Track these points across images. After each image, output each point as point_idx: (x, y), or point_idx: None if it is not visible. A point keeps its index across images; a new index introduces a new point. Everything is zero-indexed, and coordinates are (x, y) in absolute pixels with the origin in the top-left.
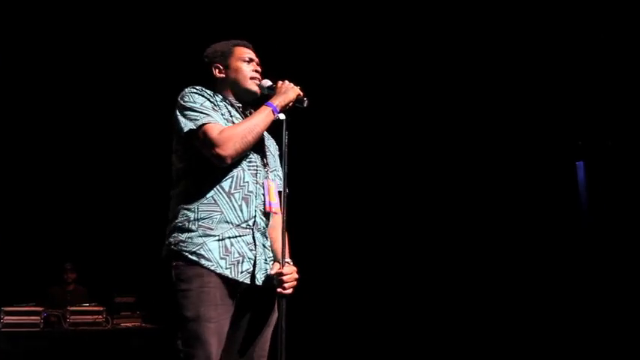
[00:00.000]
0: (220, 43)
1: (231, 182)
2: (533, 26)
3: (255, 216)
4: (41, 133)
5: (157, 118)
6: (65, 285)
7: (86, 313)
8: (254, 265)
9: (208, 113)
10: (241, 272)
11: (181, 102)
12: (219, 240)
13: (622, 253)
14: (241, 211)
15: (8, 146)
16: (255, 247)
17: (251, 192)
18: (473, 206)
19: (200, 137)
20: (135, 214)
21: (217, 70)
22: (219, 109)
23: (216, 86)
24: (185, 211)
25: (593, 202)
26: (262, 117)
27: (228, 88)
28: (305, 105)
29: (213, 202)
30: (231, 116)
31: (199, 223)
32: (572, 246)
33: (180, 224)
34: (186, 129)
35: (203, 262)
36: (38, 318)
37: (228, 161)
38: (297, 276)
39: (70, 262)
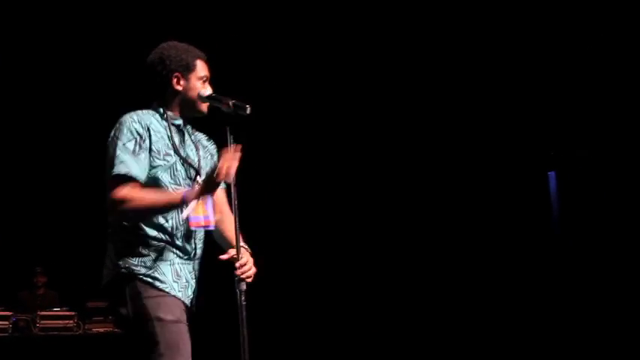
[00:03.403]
0: (182, 49)
1: (172, 222)
2: (507, 37)
3: (196, 247)
4: (11, 136)
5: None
6: (35, 289)
7: (57, 318)
8: (193, 292)
9: (128, 161)
10: (187, 297)
11: (115, 136)
12: (170, 265)
13: (592, 262)
14: (184, 247)
15: None
16: (195, 276)
17: (192, 229)
18: (445, 214)
19: (109, 185)
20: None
21: (176, 81)
22: (155, 134)
23: (165, 96)
24: (133, 245)
25: (564, 211)
26: (170, 204)
27: (178, 102)
28: (247, 112)
29: (157, 241)
30: (168, 139)
31: (149, 250)
32: (543, 255)
33: (128, 250)
34: (113, 172)
35: (158, 284)
36: (7, 323)
37: (115, 215)
38: (251, 261)
39: (41, 265)
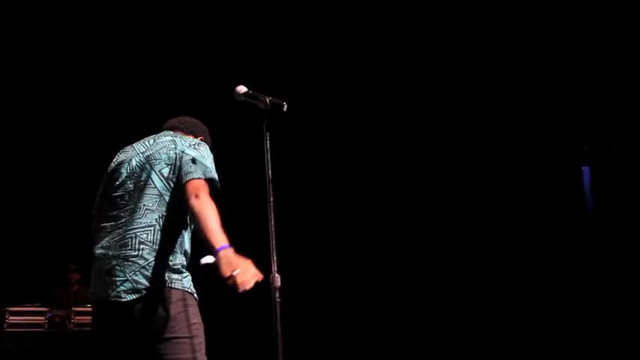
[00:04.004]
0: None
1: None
2: (539, 30)
3: None
4: (45, 134)
5: (158, 120)
6: (69, 286)
7: (91, 314)
8: None
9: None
10: None
11: (196, 145)
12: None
13: (627, 256)
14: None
15: (12, 147)
16: None
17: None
18: (479, 210)
19: (199, 183)
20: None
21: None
22: None
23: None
24: (177, 255)
25: (598, 206)
26: (216, 236)
27: None
28: (284, 110)
29: (185, 259)
30: None
31: (183, 265)
32: (577, 249)
33: (176, 267)
34: (211, 175)
35: (195, 295)
36: (43, 318)
37: (195, 208)
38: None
39: (74, 262)
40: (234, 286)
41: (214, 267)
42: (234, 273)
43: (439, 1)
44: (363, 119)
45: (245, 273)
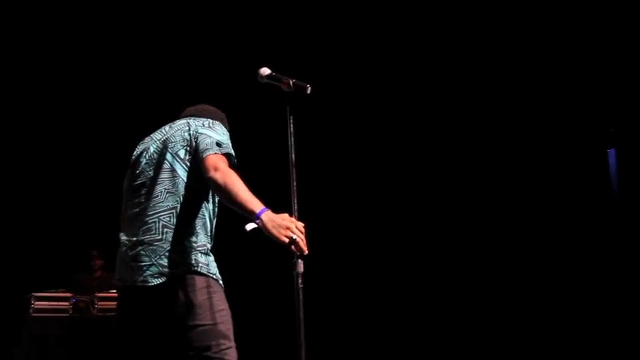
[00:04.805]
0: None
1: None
2: (562, 14)
3: None
4: (71, 127)
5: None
6: (92, 272)
7: (114, 299)
8: None
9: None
10: None
11: (211, 125)
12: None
13: None
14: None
15: (40, 140)
16: None
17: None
18: (504, 195)
19: (217, 158)
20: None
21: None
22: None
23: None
24: (200, 236)
25: (624, 189)
26: (249, 203)
27: None
28: (308, 92)
29: (209, 242)
30: None
31: (209, 250)
32: (603, 232)
33: (201, 249)
34: (227, 151)
35: (220, 282)
36: (67, 304)
37: (211, 186)
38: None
39: (96, 249)
40: (299, 251)
41: (260, 232)
42: (294, 238)
43: None
44: (386, 104)
45: (299, 234)
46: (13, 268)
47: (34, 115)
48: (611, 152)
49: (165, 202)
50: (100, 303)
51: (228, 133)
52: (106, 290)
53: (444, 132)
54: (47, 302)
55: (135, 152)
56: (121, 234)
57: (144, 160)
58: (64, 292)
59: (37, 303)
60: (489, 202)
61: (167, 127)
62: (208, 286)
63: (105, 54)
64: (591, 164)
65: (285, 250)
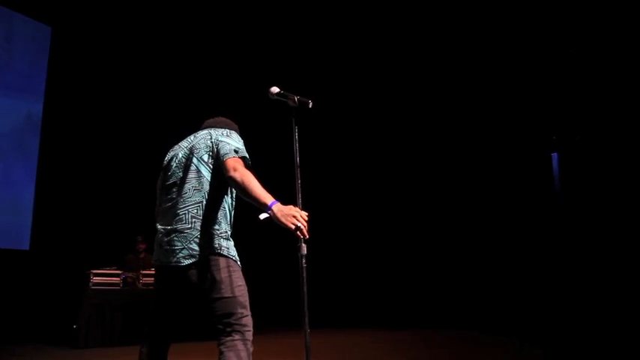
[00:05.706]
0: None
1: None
2: (511, 27)
3: None
4: (123, 134)
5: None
6: (138, 253)
7: (154, 276)
8: None
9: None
10: None
11: (229, 134)
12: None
13: (592, 232)
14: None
15: (98, 144)
16: None
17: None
18: (461, 193)
19: (235, 162)
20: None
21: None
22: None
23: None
24: (222, 224)
25: (565, 187)
26: (262, 197)
27: None
28: (310, 107)
29: (229, 228)
30: None
31: (229, 234)
32: (547, 225)
33: (223, 235)
34: (243, 154)
35: (239, 263)
36: (118, 279)
37: (238, 181)
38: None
39: (141, 234)
40: (303, 235)
41: (271, 220)
42: (299, 225)
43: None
44: (380, 114)
45: (303, 221)
46: (76, 250)
47: (93, 125)
48: (554, 156)
49: (193, 197)
50: (144, 278)
51: (242, 140)
52: (149, 268)
53: (413, 146)
54: (102, 277)
55: (166, 158)
56: (157, 224)
57: (174, 164)
58: (115, 269)
59: (94, 278)
60: (446, 200)
61: (192, 137)
62: (229, 266)
63: (148, 83)
64: (537, 165)
65: (291, 236)
